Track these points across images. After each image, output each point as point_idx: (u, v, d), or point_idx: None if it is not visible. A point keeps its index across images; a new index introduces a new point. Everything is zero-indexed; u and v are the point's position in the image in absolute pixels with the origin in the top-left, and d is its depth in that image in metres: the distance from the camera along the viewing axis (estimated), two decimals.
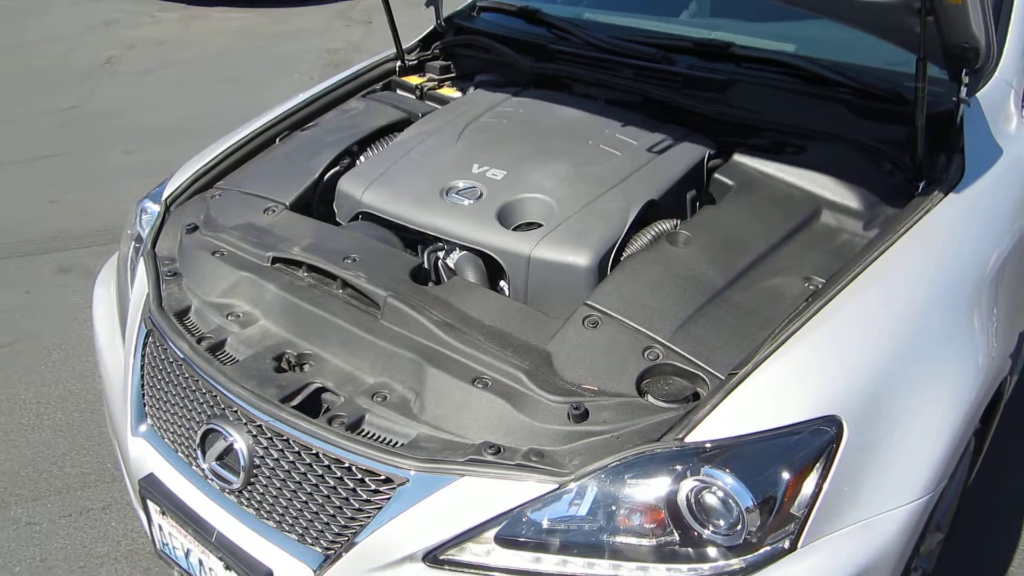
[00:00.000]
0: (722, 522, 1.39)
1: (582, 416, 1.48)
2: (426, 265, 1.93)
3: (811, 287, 1.70)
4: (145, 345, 1.92)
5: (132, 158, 5.11)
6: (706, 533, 1.39)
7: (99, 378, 2.22)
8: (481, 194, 1.97)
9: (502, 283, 1.93)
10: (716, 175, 2.04)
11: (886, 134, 2.05)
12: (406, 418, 1.57)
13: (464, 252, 1.93)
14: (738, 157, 2.06)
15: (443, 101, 2.62)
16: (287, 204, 2.14)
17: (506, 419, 1.51)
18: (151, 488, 1.79)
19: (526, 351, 1.61)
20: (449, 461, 1.46)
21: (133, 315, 2.01)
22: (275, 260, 1.94)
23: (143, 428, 1.88)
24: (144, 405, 1.89)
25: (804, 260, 1.78)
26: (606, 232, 1.84)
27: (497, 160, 2.09)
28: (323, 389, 1.68)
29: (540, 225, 1.91)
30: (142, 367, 1.92)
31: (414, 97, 2.71)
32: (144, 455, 1.84)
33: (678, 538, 1.41)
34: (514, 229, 1.90)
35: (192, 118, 5.63)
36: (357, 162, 2.34)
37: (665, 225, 1.91)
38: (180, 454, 1.79)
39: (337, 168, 2.27)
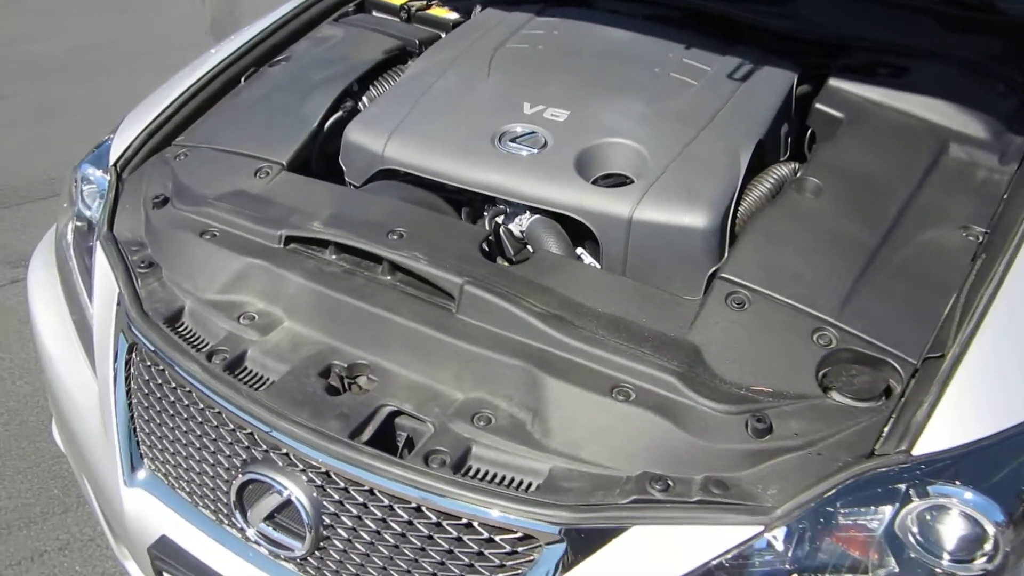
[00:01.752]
0: (965, 549, 1.11)
1: (766, 429, 1.16)
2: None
3: (972, 238, 1.42)
4: (129, 364, 1.45)
5: (12, 103, 4.31)
6: (945, 565, 1.11)
7: (43, 393, 1.72)
8: (545, 142, 1.58)
9: (581, 252, 1.56)
10: (817, 105, 1.70)
11: (989, 50, 1.78)
12: (526, 447, 1.21)
13: (537, 216, 1.54)
14: (835, 82, 1.73)
15: (440, 24, 2.16)
16: (283, 163, 1.68)
17: (666, 440, 1.17)
18: (170, 558, 1.36)
19: (667, 346, 1.26)
20: (609, 506, 1.12)
21: (102, 323, 1.52)
22: (288, 240, 1.49)
23: (141, 475, 1.44)
24: (138, 444, 1.44)
25: (952, 205, 1.49)
26: (719, 183, 1.49)
27: (550, 97, 1.69)
28: (398, 412, 1.28)
29: (628, 178, 1.54)
30: (128, 393, 1.46)
31: (399, 20, 2.23)
32: (148, 512, 1.40)
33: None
34: (593, 183, 1.53)
35: (82, 50, 4.81)
36: (360, 105, 1.88)
37: (783, 170, 1.57)
38: (204, 510, 1.36)
39: (340, 114, 1.81)
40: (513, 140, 1.59)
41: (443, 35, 2.14)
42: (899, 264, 1.37)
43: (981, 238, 1.41)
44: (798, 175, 1.53)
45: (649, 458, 1.17)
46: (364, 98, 1.89)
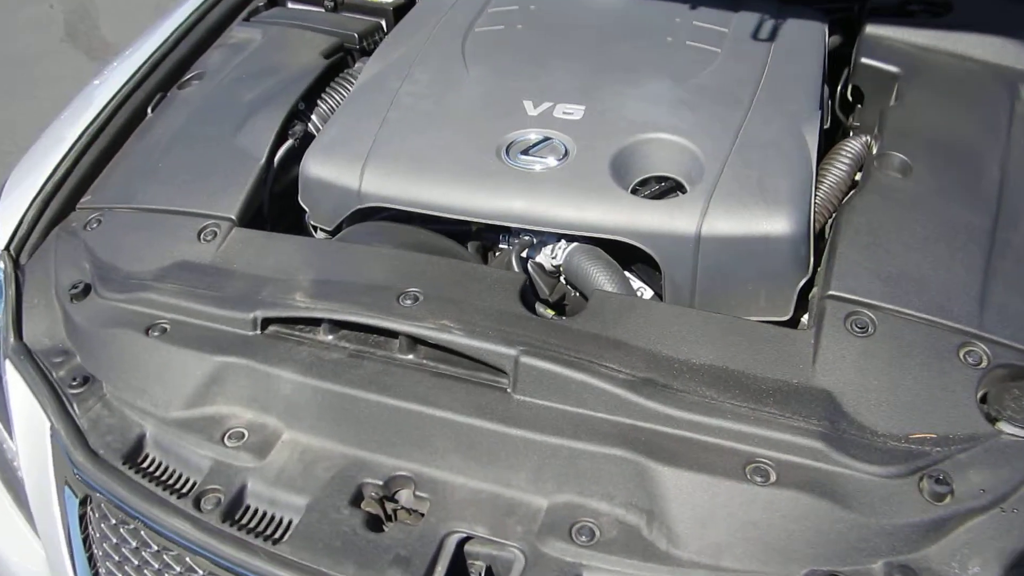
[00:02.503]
0: None
1: (946, 490, 0.92)
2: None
3: None
4: (85, 523, 1.09)
5: None
6: None
7: None
8: (566, 149, 1.27)
9: (632, 279, 1.28)
10: (864, 60, 1.45)
11: None
12: (653, 563, 0.93)
13: (575, 245, 1.25)
14: (873, 29, 1.48)
15: (377, 10, 1.80)
16: (232, 217, 1.32)
17: (827, 525, 0.91)
18: None
19: (794, 398, 1.00)
20: None
21: (34, 470, 1.15)
22: (267, 322, 1.15)
23: None
24: None
25: None
26: (794, 175, 1.22)
27: (554, 89, 1.38)
28: (468, 538, 0.98)
29: (675, 181, 1.26)
30: (90, 559, 1.10)
31: (323, 10, 1.86)
32: None
33: None
34: (632, 192, 1.24)
35: None
36: (312, 128, 1.52)
37: (855, 146, 1.32)
38: None
39: (290, 142, 1.45)
40: (525, 152, 1.28)
41: (383, 23, 1.79)
42: (1020, 244, 1.14)
43: None
44: (874, 151, 1.28)
45: (812, 553, 0.91)
46: (314, 117, 1.53)
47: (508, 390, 1.05)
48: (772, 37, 1.46)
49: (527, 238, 1.28)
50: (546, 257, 1.27)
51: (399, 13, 1.81)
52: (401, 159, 1.31)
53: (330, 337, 1.14)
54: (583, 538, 0.95)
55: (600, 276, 1.19)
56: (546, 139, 1.28)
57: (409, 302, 1.12)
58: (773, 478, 0.94)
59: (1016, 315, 1.06)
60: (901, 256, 1.11)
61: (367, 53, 1.75)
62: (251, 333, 1.15)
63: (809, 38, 1.46)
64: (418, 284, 1.15)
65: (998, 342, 1.03)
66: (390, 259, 1.21)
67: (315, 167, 1.36)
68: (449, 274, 1.17)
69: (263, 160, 1.39)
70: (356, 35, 1.73)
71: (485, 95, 1.39)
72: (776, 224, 1.15)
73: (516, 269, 1.25)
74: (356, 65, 1.66)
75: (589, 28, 1.53)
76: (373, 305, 1.12)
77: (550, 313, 1.17)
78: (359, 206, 1.32)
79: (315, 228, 1.41)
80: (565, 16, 1.57)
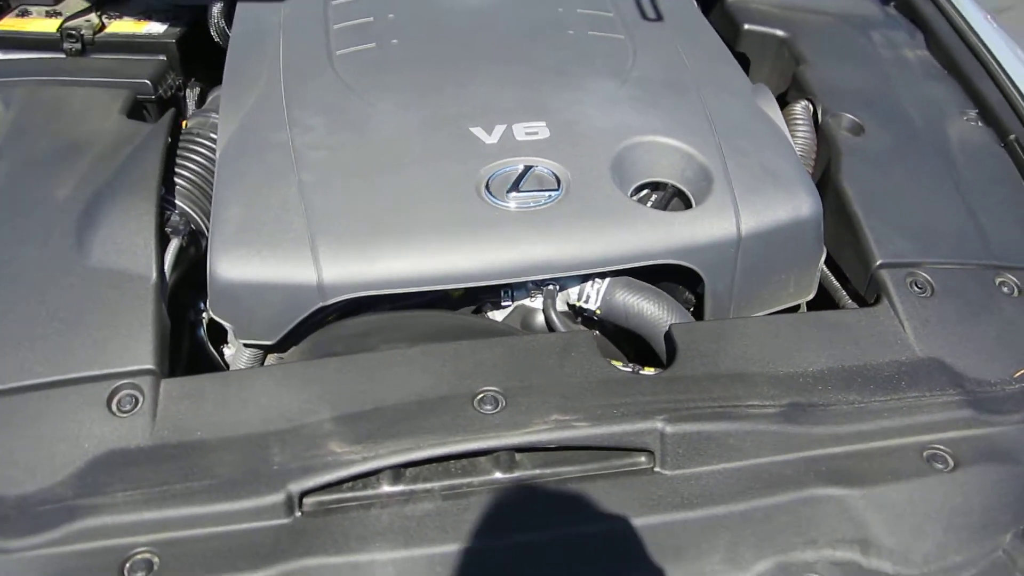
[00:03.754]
0: None
1: None
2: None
3: (972, 122, 1.35)
4: None
5: None
6: None
7: None
8: (557, 177, 1.08)
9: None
10: (747, 27, 1.45)
11: None
12: None
13: (609, 280, 1.08)
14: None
15: (151, 46, 1.39)
16: (153, 368, 0.92)
17: (1013, 483, 0.90)
18: None
19: (916, 375, 0.97)
20: None
21: None
22: (303, 496, 0.83)
23: None
24: None
25: (936, 93, 1.39)
26: (784, 151, 1.17)
27: (494, 107, 1.17)
28: None
29: (666, 185, 1.15)
30: None
31: (65, 55, 1.39)
32: None
33: None
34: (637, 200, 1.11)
35: None
36: (197, 219, 1.12)
37: (800, 110, 1.31)
38: None
39: (176, 243, 1.05)
40: (513, 188, 1.07)
41: (163, 58, 1.39)
42: (972, 174, 1.25)
43: (978, 120, 1.35)
44: (819, 112, 1.29)
45: (1011, 514, 0.90)
46: (180, 203, 1.13)
47: (656, 468, 0.89)
48: (659, 15, 1.40)
49: (551, 287, 1.08)
50: (575, 300, 1.09)
51: (185, 47, 1.42)
52: (360, 229, 1.02)
53: (398, 487, 0.86)
54: None
55: (656, 309, 1.05)
56: (527, 168, 1.09)
57: (490, 407, 0.89)
58: (951, 460, 0.91)
59: (1013, 239, 1.15)
60: (907, 212, 1.15)
61: (165, 104, 1.35)
62: (288, 520, 0.82)
63: (686, 11, 1.43)
64: (484, 381, 0.91)
65: (1018, 267, 1.12)
66: (430, 360, 0.94)
67: (235, 267, 1.00)
68: (511, 357, 0.95)
69: (154, 276, 0.99)
70: (148, 82, 1.32)
71: (416, 129, 1.14)
72: (800, 207, 1.11)
73: (556, 324, 1.05)
74: (188, 122, 1.26)
75: (474, 32, 1.32)
76: (451, 426, 0.87)
77: (648, 369, 1.00)
78: (322, 303, 1.00)
79: (245, 347, 1.06)
80: (435, 23, 1.34)
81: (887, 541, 0.86)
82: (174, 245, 1.05)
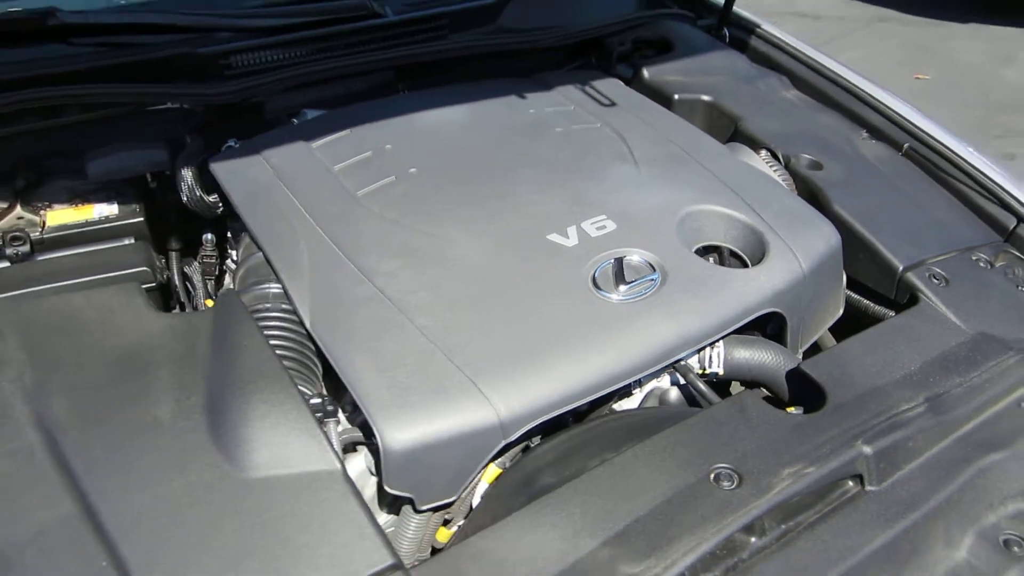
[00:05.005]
0: None
1: None
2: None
3: (865, 138, 1.63)
4: None
5: None
6: None
7: None
8: (651, 265, 1.15)
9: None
10: (677, 97, 1.62)
11: None
12: None
13: (722, 339, 1.15)
14: (651, 72, 1.68)
15: (109, 232, 1.25)
16: (396, 563, 0.84)
17: None
18: None
19: (1003, 350, 1.16)
20: None
21: None
22: None
23: None
24: None
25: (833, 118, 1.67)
26: (786, 194, 1.35)
27: (554, 214, 1.22)
28: None
29: (716, 248, 1.27)
30: None
31: (7, 262, 1.19)
32: None
33: None
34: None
35: None
36: (330, 401, 1.01)
37: (763, 156, 1.48)
38: None
39: (337, 429, 0.95)
40: (620, 283, 1.12)
41: (137, 241, 1.26)
42: (902, 182, 1.51)
43: (870, 138, 1.63)
44: (780, 157, 1.48)
45: None
46: (304, 386, 1.01)
47: (867, 488, 0.98)
48: (611, 102, 1.52)
49: (684, 364, 1.14)
50: (698, 370, 1.15)
51: (155, 223, 1.28)
52: (509, 358, 1.01)
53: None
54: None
55: (773, 357, 1.15)
56: (620, 260, 1.14)
57: (728, 483, 0.93)
58: None
59: (960, 224, 1.42)
60: (893, 222, 1.37)
61: (164, 289, 1.21)
62: None
63: (627, 94, 1.58)
64: (707, 461, 0.95)
65: (980, 245, 1.38)
66: (648, 459, 0.95)
67: (409, 433, 0.94)
68: (711, 432, 0.99)
69: (339, 467, 0.89)
70: (147, 269, 1.18)
71: (498, 250, 1.14)
72: (830, 237, 1.28)
73: (706, 393, 1.11)
74: (244, 299, 1.12)
75: (476, 146, 1.36)
76: (713, 511, 0.90)
77: (791, 409, 1.09)
78: (505, 441, 0.97)
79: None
80: (434, 144, 1.35)
81: None
82: (334, 429, 0.96)
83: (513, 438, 0.98)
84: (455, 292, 1.09)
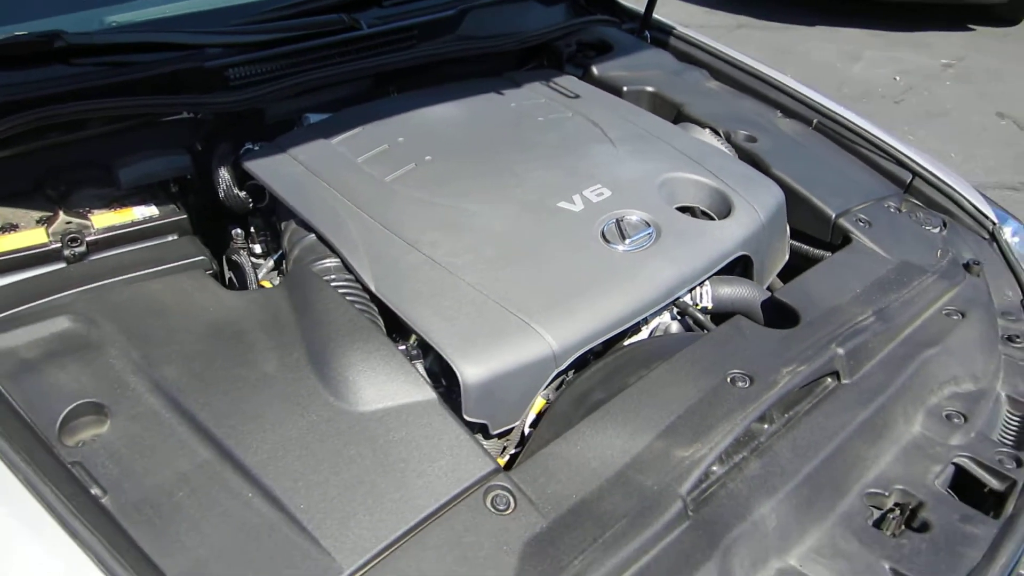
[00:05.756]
0: None
1: None
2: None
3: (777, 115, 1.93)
4: None
5: None
6: None
7: None
8: (648, 224, 1.37)
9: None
10: (625, 88, 1.85)
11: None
12: None
13: (708, 282, 1.38)
14: (600, 70, 1.91)
15: (157, 230, 1.36)
16: (497, 467, 1.01)
17: None
18: None
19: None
20: None
21: None
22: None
23: None
24: None
25: (752, 102, 1.95)
26: (736, 162, 1.63)
27: (557, 184, 1.42)
28: None
29: (690, 208, 1.50)
30: None
31: (64, 263, 1.27)
32: None
33: None
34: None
35: None
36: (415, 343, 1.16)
37: (707, 133, 1.74)
38: None
39: (423, 365, 1.10)
40: (624, 236, 1.33)
41: (175, 238, 1.37)
42: (817, 149, 1.80)
43: (784, 116, 1.93)
44: (721, 133, 1.74)
45: None
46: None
47: (844, 381, 1.23)
48: (576, 94, 1.74)
49: (683, 300, 1.35)
50: (696, 303, 1.38)
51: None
52: (551, 300, 1.20)
53: (726, 466, 1.09)
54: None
55: (750, 291, 1.39)
56: (619, 219, 1.36)
57: (742, 383, 1.16)
58: (960, 313, 1.40)
59: (867, 180, 1.72)
60: (821, 180, 1.65)
61: (218, 278, 1.33)
62: (689, 521, 1.00)
63: (586, 88, 1.80)
64: (722, 369, 1.17)
65: (887, 196, 1.68)
66: (678, 373, 1.16)
67: (483, 368, 1.11)
68: (720, 349, 1.21)
69: (434, 395, 1.06)
70: (205, 258, 1.30)
71: (519, 216, 1.34)
72: (777, 193, 1.55)
73: (705, 323, 1.33)
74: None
75: (478, 135, 1.55)
76: (738, 404, 1.12)
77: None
78: (557, 368, 1.16)
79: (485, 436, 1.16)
80: (440, 135, 1.53)
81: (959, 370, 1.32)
82: (421, 368, 1.11)
83: (563, 367, 1.17)
84: (491, 253, 1.27)
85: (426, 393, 1.06)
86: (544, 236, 1.31)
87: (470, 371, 1.11)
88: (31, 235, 1.28)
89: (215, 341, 1.12)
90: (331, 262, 1.26)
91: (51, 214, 1.33)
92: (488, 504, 0.97)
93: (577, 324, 1.19)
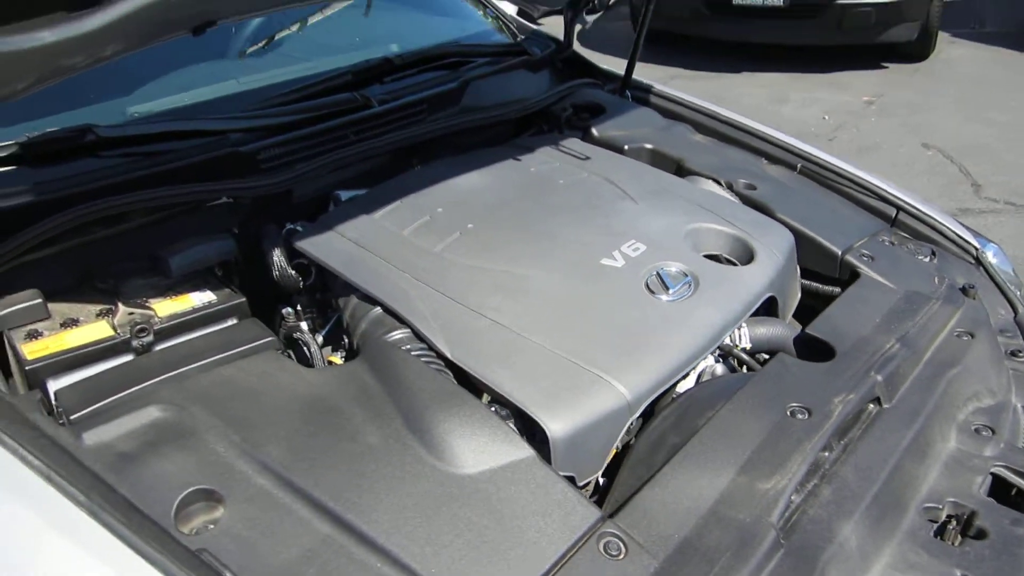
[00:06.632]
0: None
1: None
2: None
3: (761, 164, 2.07)
4: None
5: None
6: None
7: None
8: (686, 273, 1.46)
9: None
10: (626, 147, 1.96)
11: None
12: None
13: (747, 323, 1.47)
14: (598, 130, 2.02)
15: (217, 315, 1.39)
16: (602, 515, 1.07)
17: None
18: None
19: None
20: None
21: None
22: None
23: None
24: None
25: (737, 152, 2.09)
26: (746, 210, 1.74)
27: (596, 244, 1.51)
28: None
29: (715, 255, 1.60)
30: None
31: (133, 354, 1.29)
32: None
33: None
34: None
35: None
36: (502, 407, 1.20)
37: (712, 184, 1.85)
38: None
39: (515, 427, 1.15)
40: (666, 289, 1.42)
41: (236, 321, 1.40)
42: (811, 193, 1.94)
43: (769, 163, 2.07)
44: (723, 184, 1.86)
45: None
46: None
47: (884, 406, 1.33)
48: (585, 156, 1.84)
49: (728, 343, 1.44)
50: (735, 345, 1.47)
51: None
52: (615, 353, 1.28)
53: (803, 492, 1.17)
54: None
55: (783, 330, 1.49)
56: (659, 272, 1.45)
57: (802, 416, 1.24)
58: (969, 335, 1.53)
59: (860, 219, 1.86)
60: (822, 220, 1.78)
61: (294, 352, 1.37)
62: (784, 542, 1.08)
63: (593, 149, 1.90)
64: (782, 404, 1.26)
65: (881, 231, 1.82)
66: (741, 410, 1.24)
67: (567, 423, 1.17)
68: (775, 385, 1.30)
69: (533, 453, 1.11)
70: (273, 338, 1.33)
71: (568, 276, 1.42)
72: (788, 237, 1.66)
73: (749, 362, 1.42)
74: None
75: (509, 200, 1.63)
76: (803, 437, 1.20)
77: None
78: (632, 417, 1.23)
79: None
80: (474, 204, 1.61)
81: (978, 387, 1.44)
82: (514, 426, 1.17)
83: (637, 415, 1.24)
84: (551, 312, 1.34)
85: (525, 451, 1.12)
86: (595, 293, 1.39)
87: (556, 426, 1.17)
88: (96, 328, 1.29)
89: (311, 418, 1.15)
90: (401, 333, 1.31)
91: (110, 307, 1.35)
92: (602, 550, 1.03)
93: (645, 373, 1.27)
